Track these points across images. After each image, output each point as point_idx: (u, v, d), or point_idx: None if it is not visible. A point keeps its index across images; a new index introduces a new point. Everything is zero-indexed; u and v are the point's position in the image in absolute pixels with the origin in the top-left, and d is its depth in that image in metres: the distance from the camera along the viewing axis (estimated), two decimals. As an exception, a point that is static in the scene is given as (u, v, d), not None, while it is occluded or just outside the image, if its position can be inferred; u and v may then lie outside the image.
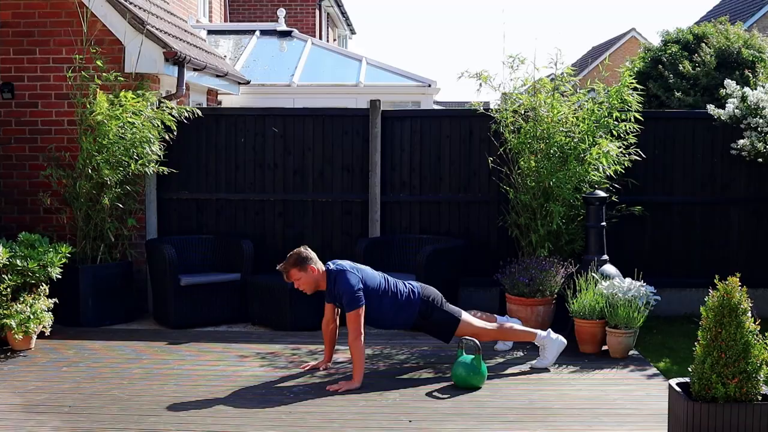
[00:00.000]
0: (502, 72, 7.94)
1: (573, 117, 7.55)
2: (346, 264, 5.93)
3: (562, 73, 7.72)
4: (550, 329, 6.36)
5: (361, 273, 5.90)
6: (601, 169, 7.46)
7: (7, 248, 6.67)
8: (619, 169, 7.61)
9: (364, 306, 5.75)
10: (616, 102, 7.56)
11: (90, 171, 7.52)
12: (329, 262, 5.96)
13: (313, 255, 5.88)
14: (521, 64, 7.74)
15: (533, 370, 6.11)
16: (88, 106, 7.58)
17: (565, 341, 6.27)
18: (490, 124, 8.01)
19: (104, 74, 7.65)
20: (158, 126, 7.72)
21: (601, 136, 7.49)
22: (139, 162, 7.63)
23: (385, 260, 7.95)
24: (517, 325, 6.38)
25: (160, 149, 7.75)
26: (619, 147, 7.62)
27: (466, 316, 6.13)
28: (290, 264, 5.84)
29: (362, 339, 5.69)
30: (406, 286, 6.05)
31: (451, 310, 6.09)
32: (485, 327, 6.13)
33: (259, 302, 7.55)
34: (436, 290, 6.19)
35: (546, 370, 6.12)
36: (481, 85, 7.85)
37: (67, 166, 7.81)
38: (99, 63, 7.67)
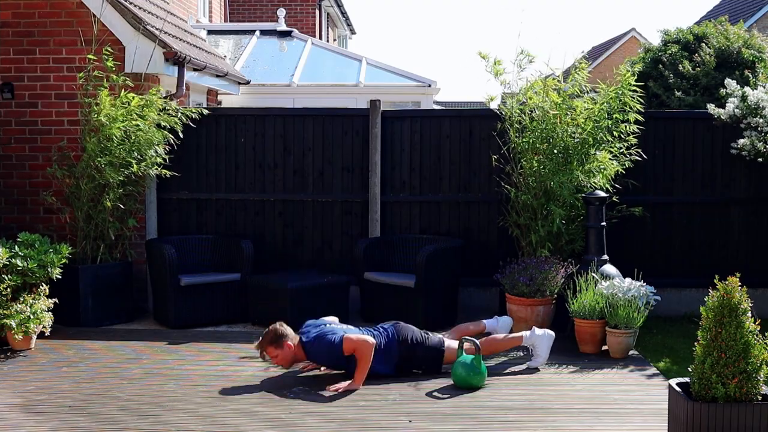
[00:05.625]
0: (513, 70, 7.90)
1: (579, 117, 7.52)
2: (312, 331, 5.87)
3: (569, 73, 7.72)
4: (534, 327, 6.35)
5: (333, 329, 5.88)
6: (605, 175, 7.44)
7: (7, 248, 6.67)
8: (620, 170, 7.61)
9: (344, 334, 5.73)
10: (615, 104, 7.56)
11: (93, 172, 7.52)
12: (301, 333, 5.92)
13: (288, 331, 5.84)
14: (530, 63, 7.72)
15: (530, 370, 6.11)
16: (93, 107, 7.57)
17: (552, 333, 6.25)
18: (494, 123, 8.00)
19: (112, 76, 7.65)
20: (163, 128, 7.72)
21: (602, 138, 7.48)
22: (143, 164, 7.62)
23: (385, 260, 7.95)
24: (501, 335, 6.35)
25: (164, 151, 7.75)
26: (620, 148, 7.62)
27: (448, 342, 6.04)
28: (266, 342, 5.82)
29: (373, 347, 5.68)
30: (381, 333, 5.96)
31: (432, 343, 5.98)
32: None
33: (259, 302, 7.54)
34: (411, 326, 6.08)
35: (542, 367, 6.12)
36: (497, 74, 7.81)
37: (68, 166, 7.79)
38: (109, 64, 7.64)
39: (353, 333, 5.84)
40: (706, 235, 8.23)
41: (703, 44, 12.44)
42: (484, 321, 6.59)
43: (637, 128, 7.66)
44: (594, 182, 7.46)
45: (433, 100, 12.61)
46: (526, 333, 6.25)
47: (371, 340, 5.71)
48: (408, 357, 5.93)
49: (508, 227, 7.94)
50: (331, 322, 6.11)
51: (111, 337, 7.12)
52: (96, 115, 7.47)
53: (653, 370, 6.13)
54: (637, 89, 7.69)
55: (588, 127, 7.47)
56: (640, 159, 7.81)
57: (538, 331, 6.21)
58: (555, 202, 7.45)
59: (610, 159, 7.42)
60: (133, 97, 7.46)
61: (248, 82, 11.62)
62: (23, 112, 8.16)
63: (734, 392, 4.15)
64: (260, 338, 5.92)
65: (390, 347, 5.89)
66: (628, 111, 7.61)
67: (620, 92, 7.56)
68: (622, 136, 7.66)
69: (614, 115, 7.57)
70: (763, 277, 8.05)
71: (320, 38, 19.06)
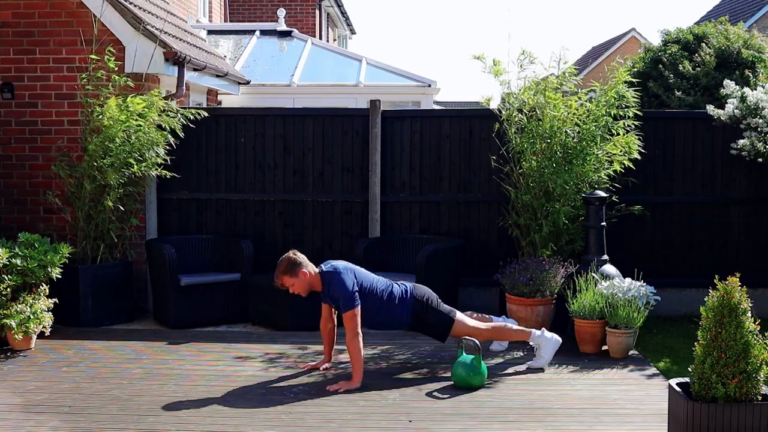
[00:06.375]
0: (513, 70, 7.90)
1: (576, 117, 7.52)
2: (340, 265, 5.90)
3: (564, 73, 7.71)
4: (543, 328, 6.35)
5: (355, 273, 5.89)
6: (615, 164, 7.45)
7: (7, 248, 6.66)
8: (619, 169, 7.61)
9: (359, 306, 5.76)
10: (612, 99, 7.53)
11: (95, 173, 7.51)
12: (323, 264, 5.94)
13: (303, 259, 5.85)
14: (530, 63, 7.72)
15: (530, 370, 6.11)
16: (96, 108, 7.56)
17: (560, 339, 6.25)
18: (493, 123, 8.00)
19: (114, 77, 7.65)
20: (164, 129, 7.71)
21: (600, 135, 7.48)
22: (143, 164, 7.62)
23: (385, 260, 7.95)
24: (512, 325, 6.38)
25: (164, 151, 7.75)
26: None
27: (460, 316, 6.12)
28: (281, 271, 5.82)
29: (360, 339, 5.69)
30: (399, 287, 6.06)
31: (445, 310, 6.09)
32: (479, 327, 6.12)
33: (259, 302, 7.55)
34: (431, 290, 6.18)
35: (542, 369, 6.12)
36: (496, 74, 7.80)
37: (70, 166, 7.79)
38: (111, 65, 7.64)
39: (383, 284, 5.96)
40: (706, 235, 8.23)
41: (703, 44, 12.44)
42: (492, 317, 6.57)
43: (636, 124, 7.64)
44: (603, 174, 7.46)
45: (433, 100, 12.62)
46: (536, 331, 6.25)
47: (359, 341, 5.67)
48: (419, 315, 6.00)
49: (508, 227, 7.94)
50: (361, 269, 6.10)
51: (111, 337, 7.12)
52: (99, 117, 7.46)
53: (653, 370, 6.13)
54: (632, 82, 7.68)
55: (586, 126, 7.47)
56: (639, 158, 7.80)
57: (547, 333, 6.22)
58: (558, 202, 7.43)
59: (618, 152, 7.43)
60: (139, 103, 7.44)
61: (248, 82, 11.63)
62: (23, 112, 8.16)
63: (734, 392, 4.15)
64: (276, 266, 5.89)
65: (405, 301, 5.99)
66: (626, 107, 7.60)
67: (615, 87, 7.54)
68: (621, 134, 7.64)
69: (612, 112, 7.55)
70: (763, 277, 8.05)
71: (320, 38, 19.07)
